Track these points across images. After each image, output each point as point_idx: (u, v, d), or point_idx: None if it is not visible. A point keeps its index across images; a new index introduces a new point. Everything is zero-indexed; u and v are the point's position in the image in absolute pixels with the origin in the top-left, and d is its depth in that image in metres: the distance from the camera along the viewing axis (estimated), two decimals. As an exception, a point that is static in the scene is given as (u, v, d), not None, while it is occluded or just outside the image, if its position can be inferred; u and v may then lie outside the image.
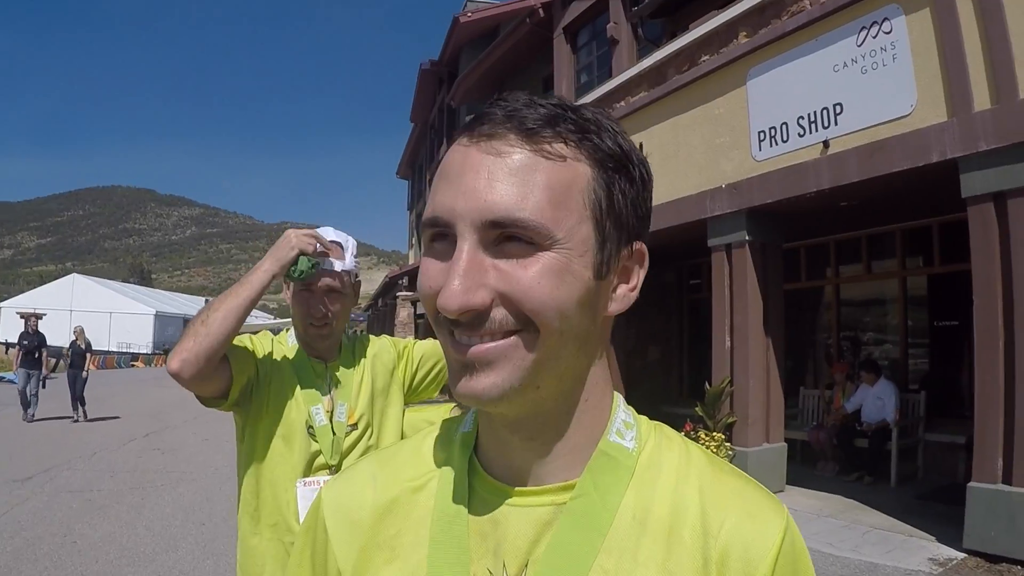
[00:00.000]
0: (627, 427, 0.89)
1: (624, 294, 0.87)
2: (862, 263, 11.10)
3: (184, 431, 15.63)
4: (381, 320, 47.44)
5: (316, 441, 2.27)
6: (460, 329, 0.77)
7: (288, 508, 2.21)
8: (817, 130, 8.02)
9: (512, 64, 22.33)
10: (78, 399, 17.06)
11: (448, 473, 0.89)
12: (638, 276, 0.88)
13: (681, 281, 14.88)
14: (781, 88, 8.49)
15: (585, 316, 0.80)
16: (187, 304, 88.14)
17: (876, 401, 9.48)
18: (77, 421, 16.75)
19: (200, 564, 6.45)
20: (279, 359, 2.34)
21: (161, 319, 72.71)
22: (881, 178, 7.26)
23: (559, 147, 0.78)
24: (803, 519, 7.70)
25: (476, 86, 24.74)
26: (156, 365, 57.89)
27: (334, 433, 2.30)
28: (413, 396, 2.60)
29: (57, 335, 24.01)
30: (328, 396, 2.35)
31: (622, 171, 0.82)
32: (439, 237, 0.79)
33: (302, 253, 2.17)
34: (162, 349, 66.57)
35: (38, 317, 17.94)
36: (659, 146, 10.72)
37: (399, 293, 30.05)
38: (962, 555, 6.28)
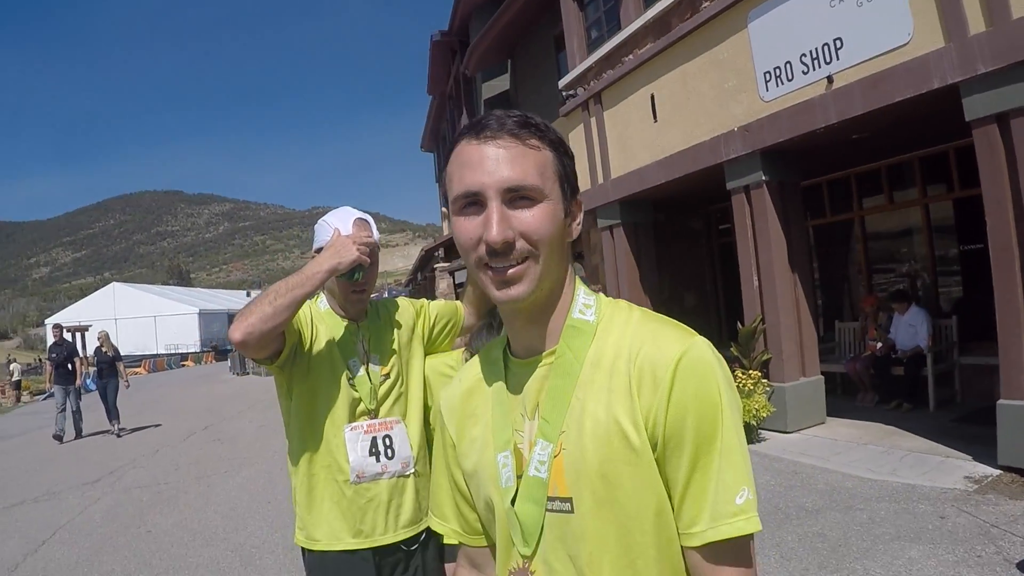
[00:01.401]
0: (587, 307, 1.33)
1: (574, 227, 1.32)
2: (883, 194, 11.10)
3: (240, 421, 16.21)
4: (422, 294, 47.80)
5: (356, 390, 2.58)
6: (496, 259, 1.20)
7: (338, 451, 2.53)
8: (820, 66, 8.05)
9: (522, 26, 22.28)
10: (111, 411, 15.57)
11: (496, 361, 1.41)
12: (580, 216, 1.33)
13: (710, 226, 14.95)
14: (782, 27, 8.52)
15: (562, 242, 1.27)
16: (230, 299, 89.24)
17: (908, 328, 9.56)
18: (119, 435, 15.32)
19: (269, 539, 6.86)
20: (318, 322, 2.63)
21: (205, 317, 73.77)
22: (886, 108, 7.30)
23: (534, 141, 1.24)
24: (844, 448, 7.89)
25: (488, 52, 24.70)
26: (205, 362, 58.95)
27: (371, 382, 2.61)
28: (431, 348, 2.88)
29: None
30: (363, 351, 2.65)
31: (565, 152, 1.29)
32: (470, 204, 1.22)
33: (360, 265, 2.49)
34: (210, 346, 67.60)
35: (62, 328, 16.46)
36: (670, 95, 10.81)
37: (436, 265, 30.19)
38: (997, 472, 6.40)
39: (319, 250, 2.56)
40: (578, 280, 1.35)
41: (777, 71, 8.63)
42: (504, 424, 1.34)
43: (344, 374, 2.58)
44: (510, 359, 1.37)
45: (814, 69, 8.13)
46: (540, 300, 1.26)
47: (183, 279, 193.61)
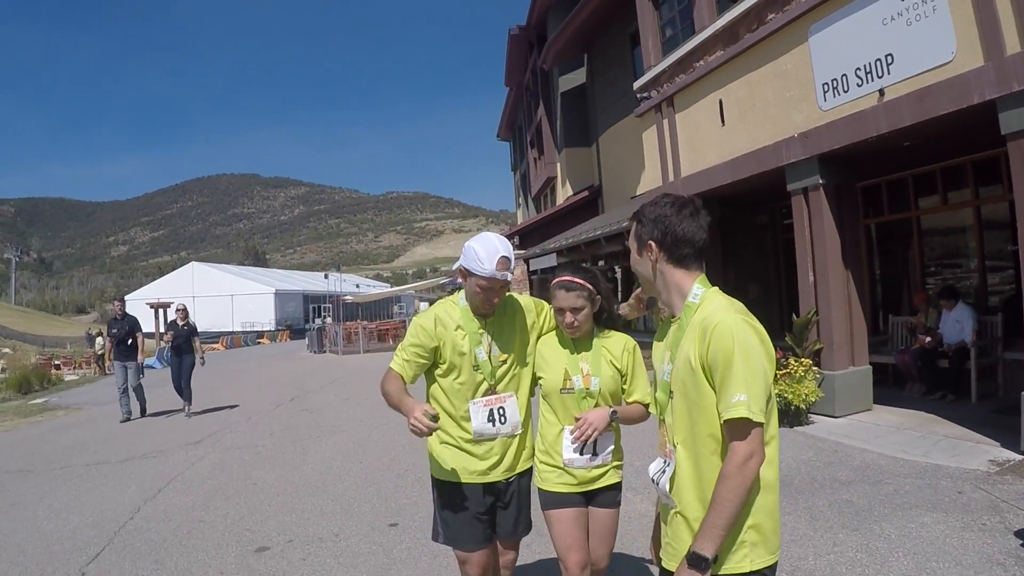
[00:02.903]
0: (695, 295, 2.38)
1: (648, 256, 2.46)
2: (938, 194, 11.56)
3: (324, 394, 17.27)
4: (494, 280, 48.46)
5: (479, 372, 3.43)
6: None
7: (464, 418, 3.45)
8: (873, 80, 8.69)
9: (598, 23, 22.80)
10: (184, 390, 14.77)
11: (669, 321, 2.56)
12: (652, 250, 2.43)
13: (775, 222, 15.50)
14: (839, 42, 9.15)
15: (639, 263, 2.54)
16: (304, 280, 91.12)
17: (955, 324, 10.10)
18: (189, 417, 14.54)
19: (364, 491, 7.77)
20: (450, 324, 3.46)
21: (281, 297, 75.60)
22: (931, 120, 7.91)
23: (633, 218, 2.55)
24: (885, 432, 8.53)
25: (565, 48, 25.31)
26: (280, 341, 60.64)
27: (491, 365, 3.44)
28: (546, 332, 3.66)
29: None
30: (488, 341, 3.46)
31: (637, 221, 2.52)
32: None
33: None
34: (285, 325, 69.41)
35: (124, 302, 15.45)
36: (736, 101, 11.48)
37: (512, 253, 30.84)
38: (1020, 457, 7.01)
39: (461, 268, 3.37)
40: (700, 280, 2.41)
41: (834, 82, 9.29)
42: (663, 350, 2.53)
43: (471, 360, 3.43)
44: (673, 320, 2.49)
45: (867, 82, 8.77)
46: (668, 298, 2.47)
47: (258, 260, 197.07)
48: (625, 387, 3.48)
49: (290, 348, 45.83)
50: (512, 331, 3.54)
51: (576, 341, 3.48)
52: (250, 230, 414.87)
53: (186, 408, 14.84)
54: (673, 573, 2.29)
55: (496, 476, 3.50)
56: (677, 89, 13.24)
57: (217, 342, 54.56)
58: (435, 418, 3.15)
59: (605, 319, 3.50)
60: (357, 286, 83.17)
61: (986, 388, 9.86)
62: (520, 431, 3.53)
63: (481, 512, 3.50)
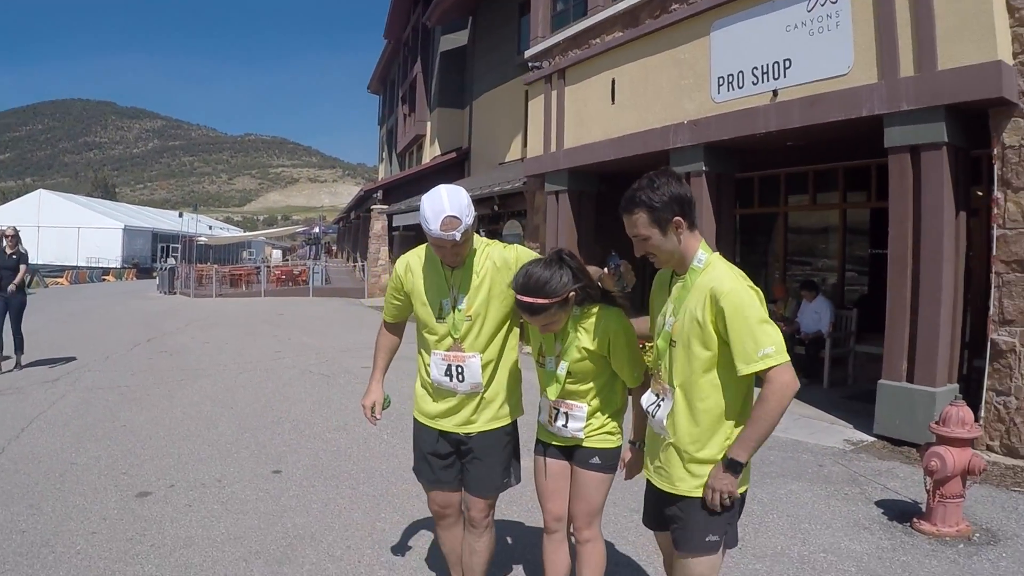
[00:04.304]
0: (699, 260, 2.74)
1: (674, 232, 2.70)
2: (808, 194, 12.29)
3: (182, 336, 16.76)
4: (353, 232, 47.71)
5: (444, 323, 3.42)
6: (646, 257, 2.86)
7: (428, 365, 3.54)
8: (768, 80, 9.18)
9: (490, -13, 22.91)
10: (15, 336, 11.66)
11: (667, 274, 2.96)
12: (681, 228, 2.70)
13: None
14: (740, 41, 9.59)
15: (665, 242, 2.72)
16: (155, 218, 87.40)
17: (813, 315, 10.84)
18: (10, 370, 11.43)
19: (240, 437, 7.66)
20: (418, 271, 3.50)
21: (130, 233, 72.28)
22: (819, 125, 8.48)
23: (637, 210, 2.70)
24: (745, 413, 9.04)
25: (452, 7, 25.18)
26: (127, 279, 58.12)
27: (454, 318, 3.39)
28: None
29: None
30: (452, 293, 3.39)
31: (648, 209, 2.68)
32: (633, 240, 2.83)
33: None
34: (131, 263, 66.68)
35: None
36: (630, 82, 11.81)
37: (373, 206, 30.64)
38: (872, 439, 7.70)
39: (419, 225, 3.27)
40: (703, 245, 2.75)
41: (730, 78, 9.73)
42: (666, 302, 2.86)
43: (434, 311, 3.44)
44: (675, 275, 2.85)
45: (763, 82, 9.25)
46: (680, 261, 2.75)
47: (108, 193, 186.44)
48: (615, 367, 3.25)
49: (138, 287, 43.86)
50: (483, 288, 3.39)
51: None
52: (101, 160, 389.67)
53: (16, 358, 11.72)
54: (662, 491, 2.86)
55: (448, 426, 3.51)
56: (570, 63, 13.48)
57: (61, 276, 51.87)
58: (384, 406, 3.78)
59: (584, 299, 3.21)
60: (210, 228, 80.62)
61: (836, 375, 10.64)
62: (481, 391, 3.46)
63: (431, 454, 3.58)
